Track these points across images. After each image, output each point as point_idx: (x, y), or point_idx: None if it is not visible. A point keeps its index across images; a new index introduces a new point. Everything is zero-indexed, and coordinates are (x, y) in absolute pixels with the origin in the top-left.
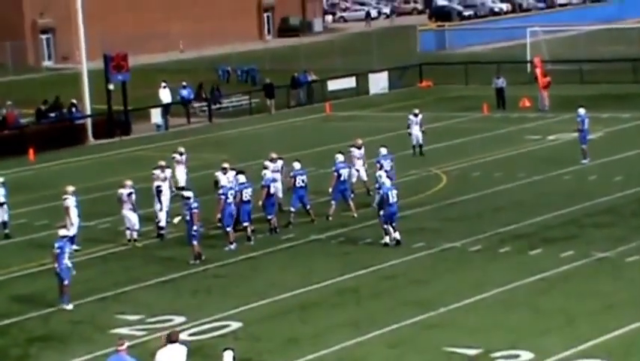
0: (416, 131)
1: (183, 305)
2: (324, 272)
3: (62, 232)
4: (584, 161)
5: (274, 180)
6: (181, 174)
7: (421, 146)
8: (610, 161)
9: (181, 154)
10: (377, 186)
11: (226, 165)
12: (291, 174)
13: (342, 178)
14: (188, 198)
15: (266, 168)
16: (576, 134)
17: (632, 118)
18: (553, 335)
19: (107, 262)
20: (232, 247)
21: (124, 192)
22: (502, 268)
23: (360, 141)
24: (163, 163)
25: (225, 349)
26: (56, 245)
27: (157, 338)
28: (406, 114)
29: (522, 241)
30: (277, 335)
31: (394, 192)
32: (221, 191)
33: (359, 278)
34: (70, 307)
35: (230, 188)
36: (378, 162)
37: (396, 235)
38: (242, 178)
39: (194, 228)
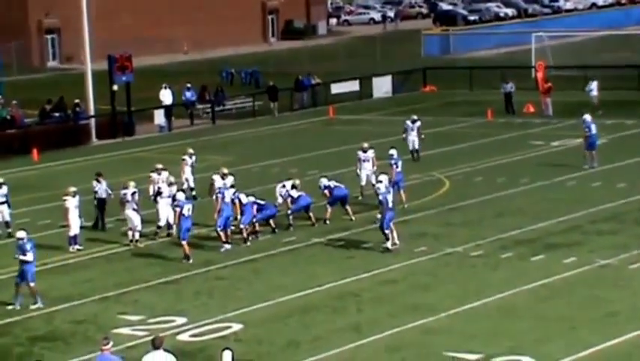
0: (413, 137)
1: (185, 306)
2: (325, 276)
3: (20, 233)
4: (586, 166)
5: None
6: (189, 175)
7: (417, 151)
8: (614, 168)
9: (190, 156)
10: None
11: (225, 171)
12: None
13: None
14: (179, 199)
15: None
16: (580, 140)
17: (637, 125)
18: (555, 341)
19: (110, 262)
20: (227, 246)
21: (127, 192)
22: (503, 274)
23: (366, 145)
24: (160, 166)
25: (224, 349)
26: (23, 246)
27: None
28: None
29: (524, 246)
30: (278, 337)
31: (390, 196)
32: (217, 190)
33: (360, 282)
34: (41, 305)
35: (228, 188)
36: (396, 163)
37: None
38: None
39: (186, 227)
